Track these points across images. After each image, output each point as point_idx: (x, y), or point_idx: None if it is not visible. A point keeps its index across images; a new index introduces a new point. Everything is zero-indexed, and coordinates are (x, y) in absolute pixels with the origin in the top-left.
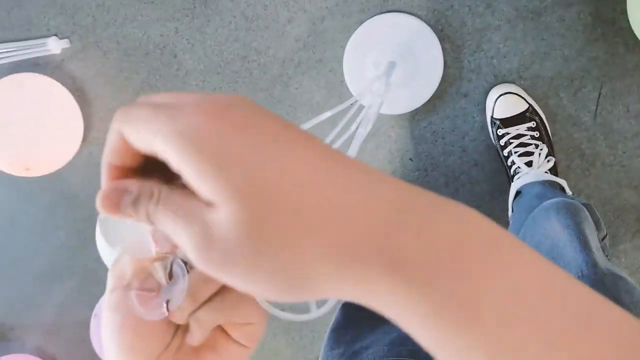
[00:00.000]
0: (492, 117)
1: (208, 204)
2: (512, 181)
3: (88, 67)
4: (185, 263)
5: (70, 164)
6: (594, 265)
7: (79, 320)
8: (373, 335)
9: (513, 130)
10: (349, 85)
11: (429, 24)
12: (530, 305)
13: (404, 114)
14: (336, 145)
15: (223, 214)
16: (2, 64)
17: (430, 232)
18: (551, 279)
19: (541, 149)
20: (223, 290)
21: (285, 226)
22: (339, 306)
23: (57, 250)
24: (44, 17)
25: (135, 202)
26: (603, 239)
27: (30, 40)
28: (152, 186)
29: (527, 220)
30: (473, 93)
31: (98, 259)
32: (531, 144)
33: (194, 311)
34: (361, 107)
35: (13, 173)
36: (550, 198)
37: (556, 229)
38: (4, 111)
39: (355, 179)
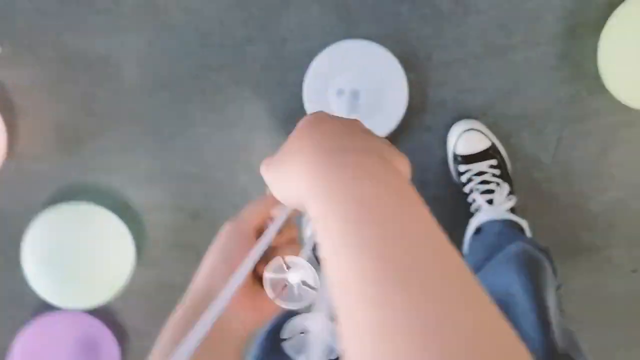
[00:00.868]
0: (454, 152)
1: None
2: (473, 217)
3: (20, 76)
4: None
5: None
6: (552, 350)
7: None
8: None
9: (475, 167)
10: (309, 112)
11: (395, 54)
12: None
13: None
14: None
15: None
16: None
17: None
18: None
19: (502, 187)
20: None
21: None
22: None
23: None
24: None
25: None
26: (558, 288)
27: None
28: None
29: (487, 264)
30: (436, 127)
31: (23, 281)
32: (492, 182)
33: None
34: None
35: None
36: (511, 239)
37: (516, 290)
38: None
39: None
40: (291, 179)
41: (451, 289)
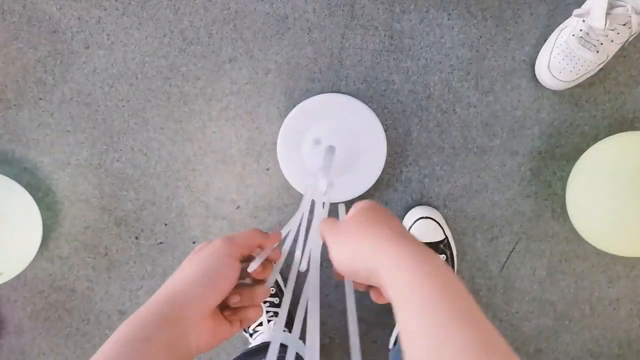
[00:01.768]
0: None
1: None
2: None
3: None
4: None
5: None
6: None
7: None
8: None
9: None
10: (278, 150)
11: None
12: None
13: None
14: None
15: None
16: None
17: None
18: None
19: None
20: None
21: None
22: None
23: None
24: None
25: None
26: None
27: None
28: None
29: None
30: (395, 204)
31: None
32: None
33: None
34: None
35: None
36: None
37: None
38: None
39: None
40: (362, 250)
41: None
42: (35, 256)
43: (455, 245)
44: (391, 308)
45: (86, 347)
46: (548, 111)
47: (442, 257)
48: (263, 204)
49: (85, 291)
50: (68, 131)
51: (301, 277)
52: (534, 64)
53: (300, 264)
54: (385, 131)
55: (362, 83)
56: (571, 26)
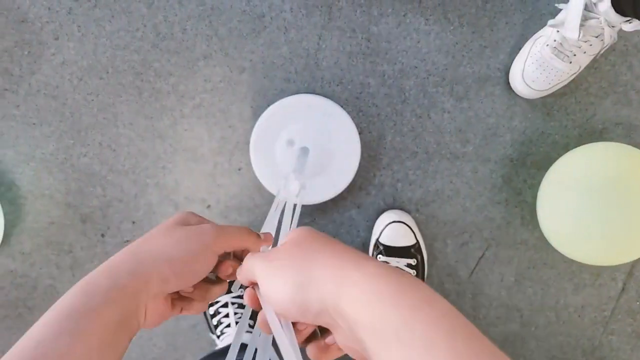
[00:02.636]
0: (377, 240)
1: None
2: None
3: None
4: None
5: None
6: None
7: None
8: None
9: (393, 262)
10: (251, 149)
11: None
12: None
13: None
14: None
15: None
16: None
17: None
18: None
19: None
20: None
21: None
22: None
23: None
24: None
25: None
26: None
27: None
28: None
29: None
30: (367, 208)
31: None
32: None
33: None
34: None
35: None
36: None
37: None
38: None
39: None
40: (310, 277)
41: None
42: None
43: (426, 250)
44: None
45: None
46: (520, 119)
47: (412, 261)
48: (234, 204)
49: (47, 289)
50: (34, 124)
51: None
52: (508, 72)
53: None
54: (360, 134)
55: (337, 85)
56: (545, 36)
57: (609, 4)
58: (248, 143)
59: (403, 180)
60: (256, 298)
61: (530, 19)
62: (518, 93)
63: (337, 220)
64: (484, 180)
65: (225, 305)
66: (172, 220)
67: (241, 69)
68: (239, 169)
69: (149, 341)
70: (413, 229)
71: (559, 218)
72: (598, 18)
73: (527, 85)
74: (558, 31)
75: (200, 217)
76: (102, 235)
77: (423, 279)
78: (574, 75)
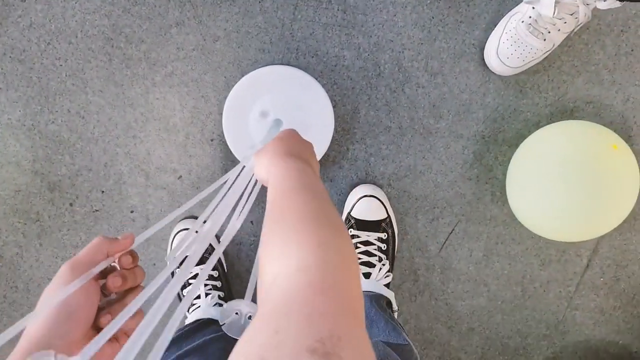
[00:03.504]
0: (349, 213)
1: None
2: None
3: None
4: None
5: None
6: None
7: None
8: None
9: (364, 235)
10: (224, 120)
11: None
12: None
13: None
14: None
15: None
16: None
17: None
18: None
19: (383, 264)
20: None
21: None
22: None
23: None
24: None
25: None
26: None
27: None
28: None
29: None
30: (339, 181)
31: None
32: (375, 256)
33: None
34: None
35: None
36: (373, 318)
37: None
38: None
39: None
40: (262, 164)
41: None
42: None
43: (397, 225)
44: None
45: (14, 315)
46: (493, 96)
47: (383, 235)
48: (206, 175)
49: (14, 257)
50: (0, 89)
51: (234, 250)
52: (483, 48)
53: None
54: (334, 107)
55: (312, 57)
56: (521, 13)
57: None
58: (221, 114)
59: (376, 155)
60: None
61: None
62: (492, 69)
63: None
64: (456, 156)
65: (196, 277)
66: (43, 293)
67: (215, 37)
68: (212, 140)
69: None
70: (385, 203)
71: (526, 194)
72: None
73: (502, 61)
74: (533, 8)
75: (90, 249)
76: (71, 204)
77: (394, 253)
78: (548, 53)
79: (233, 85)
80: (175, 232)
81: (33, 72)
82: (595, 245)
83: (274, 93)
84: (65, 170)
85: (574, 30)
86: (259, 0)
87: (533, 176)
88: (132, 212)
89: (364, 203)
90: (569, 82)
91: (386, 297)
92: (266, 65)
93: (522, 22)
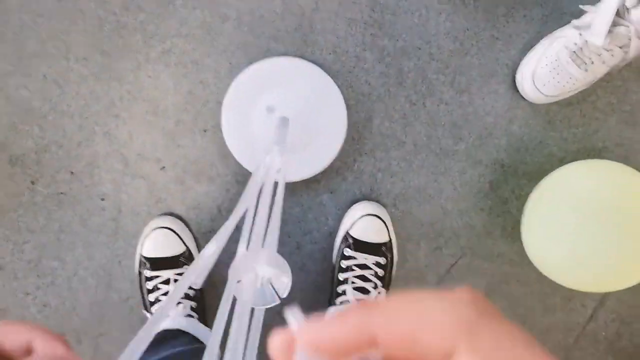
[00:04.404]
0: (347, 232)
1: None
2: (331, 304)
3: None
4: None
5: None
6: None
7: None
8: None
9: (361, 258)
10: (223, 111)
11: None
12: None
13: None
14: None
15: None
16: None
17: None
18: None
19: (379, 292)
20: None
21: None
22: None
23: None
24: None
25: None
26: None
27: None
28: None
29: None
30: (340, 194)
31: None
32: (371, 282)
33: None
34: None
35: None
36: None
37: None
38: None
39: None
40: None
41: None
42: None
43: (398, 250)
44: None
45: None
46: (520, 124)
47: (382, 260)
48: (193, 169)
49: None
50: None
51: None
52: (516, 69)
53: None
54: (347, 111)
55: (330, 53)
56: (566, 38)
57: None
58: (219, 103)
59: (384, 171)
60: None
61: (550, 15)
62: (523, 94)
63: (305, 204)
64: (471, 183)
65: (167, 282)
66: None
67: (224, 17)
68: (205, 131)
69: (72, 310)
70: (388, 225)
71: (539, 235)
72: (628, 26)
73: (536, 87)
74: (581, 34)
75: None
76: (32, 183)
77: (389, 280)
78: (586, 86)
79: (238, 73)
80: (153, 227)
81: (8, 27)
82: (603, 296)
83: (284, 88)
84: (32, 144)
85: (618, 65)
86: None
87: (553, 216)
88: (102, 199)
89: (366, 222)
90: (602, 120)
91: None
92: (278, 56)
93: (566, 48)
